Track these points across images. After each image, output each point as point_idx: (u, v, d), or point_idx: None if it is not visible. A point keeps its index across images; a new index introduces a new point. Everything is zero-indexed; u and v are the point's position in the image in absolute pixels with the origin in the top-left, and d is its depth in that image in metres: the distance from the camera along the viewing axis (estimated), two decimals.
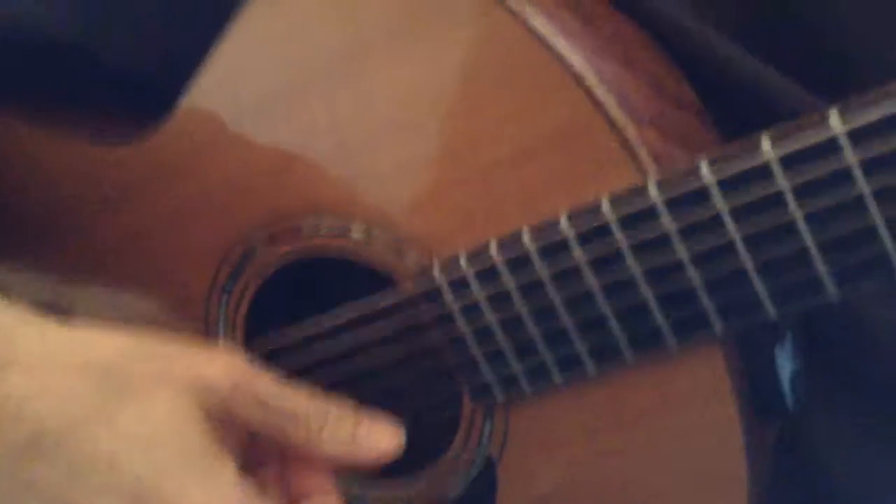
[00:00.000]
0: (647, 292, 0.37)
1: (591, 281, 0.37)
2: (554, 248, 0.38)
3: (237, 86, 0.44)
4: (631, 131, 0.37)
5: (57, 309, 0.46)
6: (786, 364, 0.39)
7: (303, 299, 0.46)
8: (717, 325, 0.36)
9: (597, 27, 0.40)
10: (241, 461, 0.37)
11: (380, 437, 0.40)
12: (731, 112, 0.42)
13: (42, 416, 0.35)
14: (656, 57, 0.42)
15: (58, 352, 0.37)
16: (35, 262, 0.51)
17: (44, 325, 0.38)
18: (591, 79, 0.36)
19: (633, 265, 0.37)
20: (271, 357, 0.45)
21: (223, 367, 0.37)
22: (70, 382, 0.36)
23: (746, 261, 0.35)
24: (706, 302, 0.36)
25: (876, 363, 0.45)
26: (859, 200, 0.32)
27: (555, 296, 0.38)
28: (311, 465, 0.41)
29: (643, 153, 0.37)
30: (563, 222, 0.37)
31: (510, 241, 0.39)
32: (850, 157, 0.32)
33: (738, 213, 0.34)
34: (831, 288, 0.34)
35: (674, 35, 0.42)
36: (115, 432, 0.35)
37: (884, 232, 0.32)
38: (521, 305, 0.39)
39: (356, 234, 0.42)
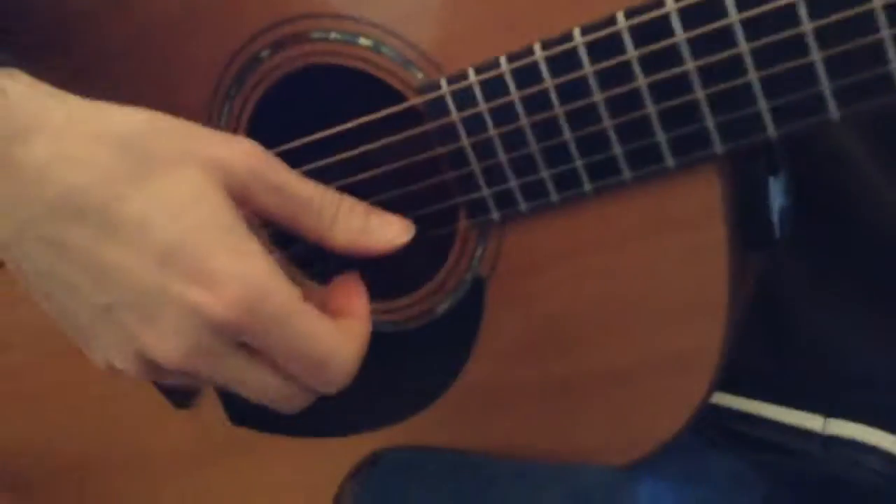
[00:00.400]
0: (651, 106, 0.38)
1: (597, 94, 0.38)
2: (563, 60, 0.38)
3: None
4: None
5: None
6: (777, 196, 0.40)
7: (305, 112, 0.46)
8: (717, 145, 0.37)
9: None
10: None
11: (390, 228, 0.41)
12: None
13: (66, 178, 0.35)
14: None
15: (81, 120, 0.37)
16: (45, 65, 0.51)
17: (68, 97, 0.38)
18: None
19: (640, 78, 0.37)
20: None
21: (242, 151, 0.38)
22: (93, 149, 0.36)
23: (752, 75, 0.35)
24: (708, 118, 0.37)
25: (859, 218, 0.47)
26: (870, 15, 0.33)
27: (559, 109, 0.39)
28: (350, 286, 0.42)
29: None
30: (576, 33, 0.38)
31: (521, 54, 0.39)
32: None
33: (748, 26, 0.35)
34: (833, 107, 0.35)
35: None
36: (144, 195, 0.35)
37: (891, 50, 0.33)
38: (524, 119, 0.40)
39: (364, 43, 0.43)
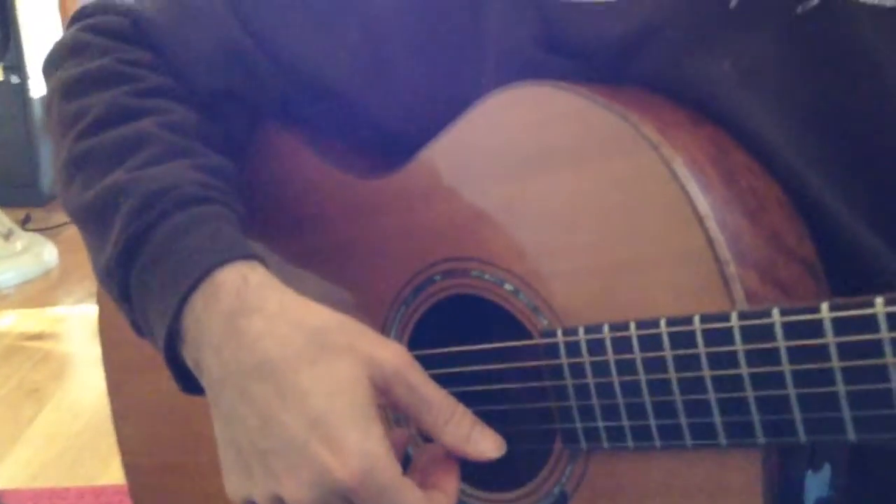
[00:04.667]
0: (711, 395, 0.46)
1: (672, 374, 0.47)
2: (650, 342, 0.48)
3: (463, 153, 0.57)
4: (732, 269, 0.46)
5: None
6: (814, 488, 0.46)
7: (456, 326, 0.58)
8: (761, 439, 0.45)
9: (734, 181, 0.50)
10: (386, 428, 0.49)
11: (487, 444, 0.52)
12: (845, 276, 0.51)
13: (267, 350, 0.50)
14: (786, 214, 0.52)
15: (289, 310, 0.51)
16: (275, 248, 0.68)
17: (286, 290, 0.52)
18: (711, 221, 0.47)
19: (706, 371, 0.46)
20: (423, 362, 0.58)
21: (393, 353, 0.51)
22: (291, 332, 0.50)
23: (791, 391, 0.43)
24: (755, 416, 0.45)
25: None
26: None
27: (642, 377, 0.49)
28: (447, 466, 0.53)
29: (737, 289, 0.46)
30: (662, 325, 0.48)
31: (618, 327, 0.49)
32: None
33: (793, 353, 0.43)
34: (852, 432, 0.42)
35: (805, 202, 0.51)
36: (312, 375, 0.49)
37: None
38: (615, 376, 0.50)
39: (508, 288, 0.55)
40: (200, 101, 0.63)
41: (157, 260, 0.53)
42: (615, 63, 0.54)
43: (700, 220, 0.47)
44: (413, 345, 0.60)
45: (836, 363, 0.42)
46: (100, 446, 1.65)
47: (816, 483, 0.47)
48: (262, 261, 0.55)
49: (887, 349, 0.41)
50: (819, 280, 0.51)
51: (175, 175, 0.55)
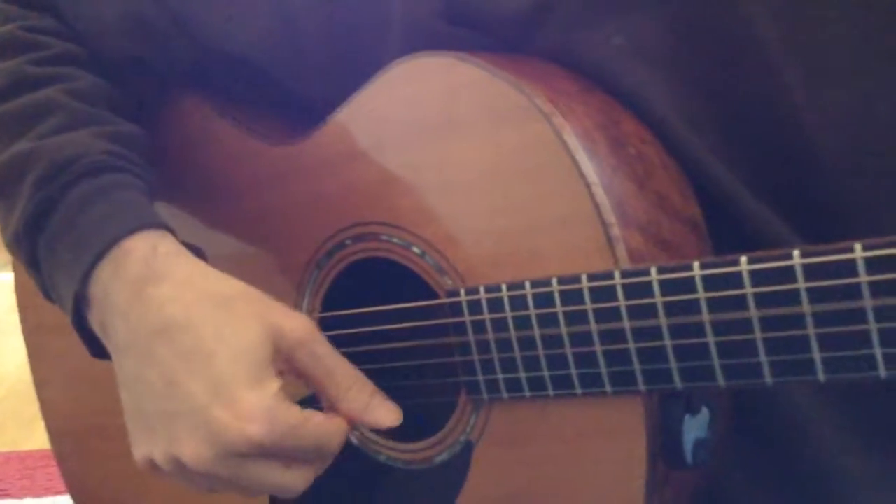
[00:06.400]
0: (598, 348, 0.50)
1: (563, 329, 0.51)
2: (543, 299, 0.52)
3: (369, 120, 0.59)
4: (616, 231, 0.50)
5: (197, 252, 0.60)
6: (692, 431, 0.51)
7: (367, 287, 0.61)
8: (641, 386, 0.49)
9: (622, 147, 0.53)
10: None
11: (385, 413, 0.55)
12: (727, 236, 0.55)
13: (174, 314, 0.51)
14: (672, 178, 0.55)
15: (197, 278, 0.53)
16: (189, 214, 0.69)
17: (194, 260, 0.54)
18: (597, 187, 0.50)
19: (593, 325, 0.50)
20: (335, 323, 0.61)
21: (298, 324, 0.53)
22: (198, 299, 0.52)
23: (667, 343, 0.48)
24: (636, 366, 0.49)
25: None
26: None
27: (536, 332, 0.52)
28: None
29: (621, 249, 0.50)
30: (554, 283, 0.51)
31: (515, 286, 0.53)
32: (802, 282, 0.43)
33: (669, 307, 0.47)
34: (721, 379, 0.46)
35: (690, 165, 0.55)
36: (217, 339, 0.51)
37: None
38: (512, 332, 0.53)
39: (415, 250, 0.58)
40: (108, 69, 0.64)
41: (64, 228, 0.54)
42: (514, 36, 0.57)
43: (587, 185, 0.50)
44: (326, 306, 0.63)
45: (706, 317, 0.46)
46: (22, 413, 1.64)
47: (694, 426, 0.51)
48: (172, 231, 0.56)
49: (750, 303, 0.45)
50: (702, 238, 0.55)
51: (82, 143, 0.56)
